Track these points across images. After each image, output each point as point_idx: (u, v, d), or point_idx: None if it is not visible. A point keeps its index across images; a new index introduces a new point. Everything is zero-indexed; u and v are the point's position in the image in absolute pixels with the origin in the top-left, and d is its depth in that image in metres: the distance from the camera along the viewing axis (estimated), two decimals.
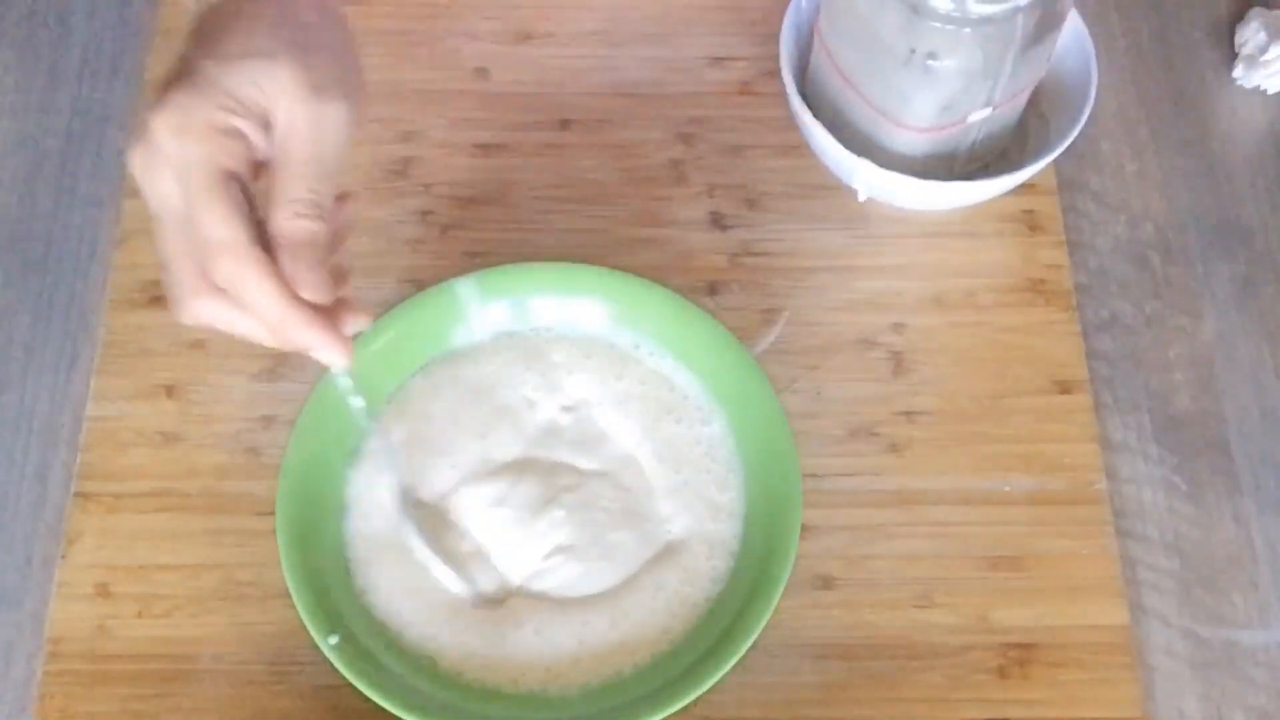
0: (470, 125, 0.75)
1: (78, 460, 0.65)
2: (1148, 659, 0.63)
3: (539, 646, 0.61)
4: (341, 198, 0.55)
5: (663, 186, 0.73)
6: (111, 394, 0.67)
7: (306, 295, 0.52)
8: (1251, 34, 0.75)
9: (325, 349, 0.53)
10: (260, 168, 0.53)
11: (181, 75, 0.53)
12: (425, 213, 0.72)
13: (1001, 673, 0.62)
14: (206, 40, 0.54)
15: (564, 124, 0.75)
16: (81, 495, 0.64)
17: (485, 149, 0.74)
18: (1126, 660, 0.62)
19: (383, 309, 0.66)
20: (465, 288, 0.66)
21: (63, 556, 0.63)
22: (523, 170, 0.73)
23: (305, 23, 0.55)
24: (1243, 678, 0.62)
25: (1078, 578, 0.64)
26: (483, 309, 0.67)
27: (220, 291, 0.52)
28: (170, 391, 0.67)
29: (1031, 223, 0.72)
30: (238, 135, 0.52)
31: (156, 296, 0.69)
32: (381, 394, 0.66)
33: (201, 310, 0.52)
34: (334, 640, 0.58)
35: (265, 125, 0.53)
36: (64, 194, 0.72)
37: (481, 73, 0.76)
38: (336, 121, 0.54)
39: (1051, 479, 0.66)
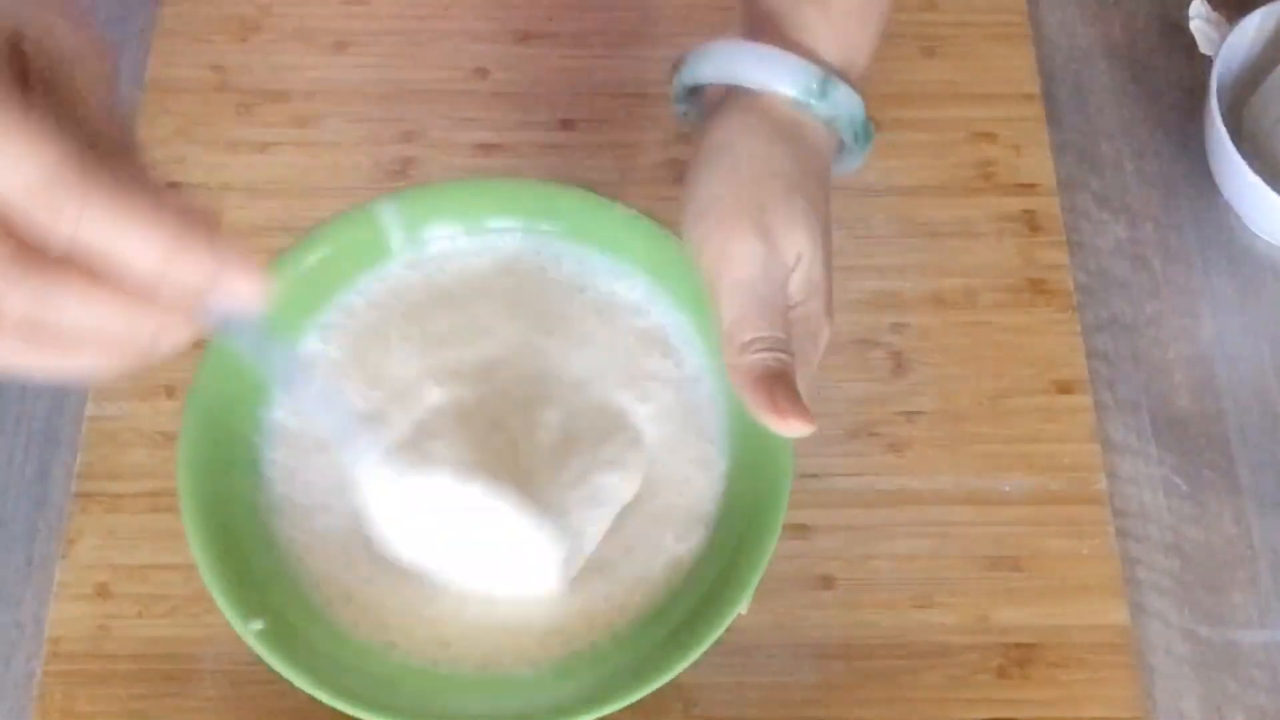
0: (470, 125, 0.75)
1: (78, 460, 0.65)
2: (1148, 659, 0.63)
3: (498, 618, 0.56)
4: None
5: (663, 186, 0.73)
6: (111, 394, 0.67)
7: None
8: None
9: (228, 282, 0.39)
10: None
11: None
12: None
13: (1001, 673, 0.62)
14: None
15: (564, 124, 0.75)
16: (81, 495, 0.64)
17: (485, 149, 0.74)
18: (1126, 660, 0.62)
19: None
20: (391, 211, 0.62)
21: (63, 556, 0.63)
22: (523, 170, 0.73)
23: None
24: (1243, 678, 0.62)
25: (1078, 578, 0.64)
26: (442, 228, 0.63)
27: None
28: (170, 392, 0.67)
29: (1031, 223, 0.72)
30: None
31: None
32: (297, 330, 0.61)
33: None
34: (258, 626, 0.53)
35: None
36: None
37: (481, 73, 0.76)
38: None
39: (1051, 479, 0.66)
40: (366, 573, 0.57)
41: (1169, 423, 0.68)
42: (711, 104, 0.60)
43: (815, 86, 0.57)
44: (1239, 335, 0.70)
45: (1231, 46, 0.73)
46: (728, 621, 0.54)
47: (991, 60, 0.77)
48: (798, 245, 0.54)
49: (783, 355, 0.52)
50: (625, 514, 0.58)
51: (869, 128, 0.60)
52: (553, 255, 0.63)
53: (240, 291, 0.39)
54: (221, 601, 0.53)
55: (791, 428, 0.52)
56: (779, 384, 0.52)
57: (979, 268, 0.71)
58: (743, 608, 0.55)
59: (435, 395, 0.59)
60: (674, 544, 0.58)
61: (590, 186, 0.64)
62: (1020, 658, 0.62)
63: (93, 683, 0.61)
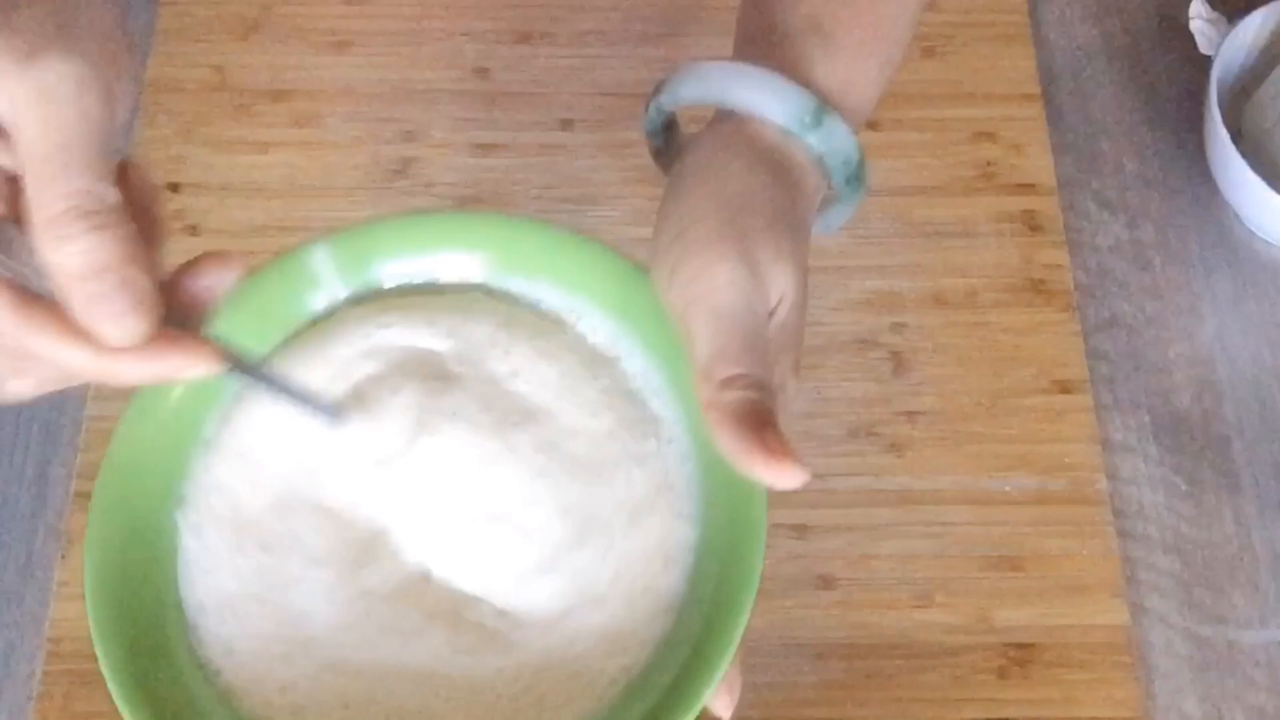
0: (470, 125, 0.75)
1: (78, 460, 0.65)
2: (1148, 659, 0.63)
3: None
4: (128, 176, 0.41)
5: (662, 187, 0.73)
6: (111, 394, 0.66)
7: (114, 340, 0.39)
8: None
9: (178, 371, 0.41)
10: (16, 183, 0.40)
11: None
12: None
13: (1001, 673, 0.62)
14: None
15: (564, 124, 0.75)
16: (81, 495, 0.64)
17: (485, 149, 0.74)
18: (1126, 660, 0.62)
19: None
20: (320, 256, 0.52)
21: (63, 556, 0.63)
22: (523, 170, 0.73)
23: None
24: (1243, 678, 0.62)
25: (1078, 578, 0.64)
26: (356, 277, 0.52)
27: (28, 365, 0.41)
28: None
29: (1031, 223, 0.72)
30: None
31: None
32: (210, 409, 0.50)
33: (18, 392, 0.42)
34: None
35: None
36: None
37: (481, 73, 0.76)
38: (72, 85, 0.39)
39: (1051, 479, 0.66)
40: (290, 674, 0.47)
41: (1169, 423, 0.68)
42: (684, 144, 0.55)
43: (808, 118, 0.51)
44: (1239, 335, 0.70)
45: (1231, 46, 0.73)
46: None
47: (991, 60, 0.77)
48: (781, 285, 0.48)
49: (767, 398, 0.44)
50: (570, 612, 0.47)
51: (863, 172, 0.54)
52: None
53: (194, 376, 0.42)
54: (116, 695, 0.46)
55: (785, 473, 0.43)
56: (768, 426, 0.44)
57: (979, 268, 0.71)
58: (721, 711, 0.46)
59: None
60: (627, 644, 0.47)
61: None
62: (1020, 658, 0.62)
63: (93, 683, 0.60)
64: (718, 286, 0.46)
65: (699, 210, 0.49)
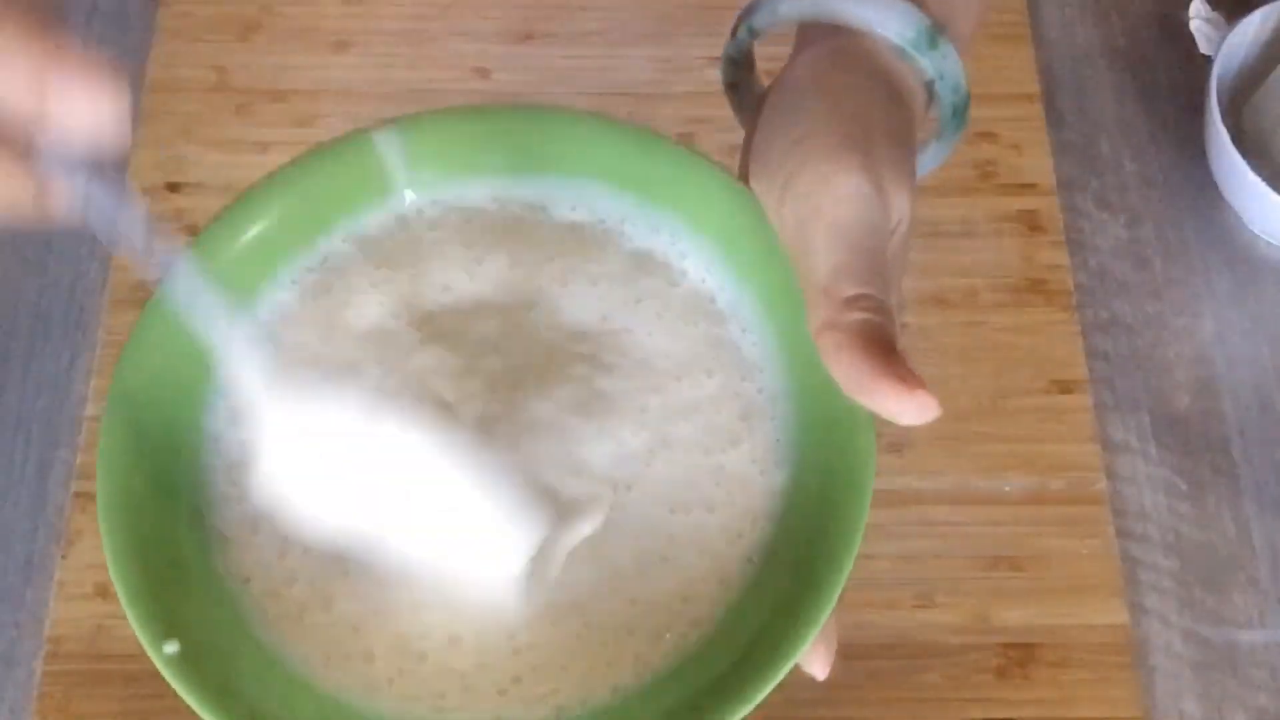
0: None
1: (78, 460, 0.65)
2: (1148, 659, 0.63)
3: (489, 661, 0.43)
4: None
5: None
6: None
7: None
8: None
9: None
10: None
11: None
12: None
13: (1001, 673, 0.62)
14: None
15: None
16: (81, 495, 0.64)
17: None
18: (1126, 660, 0.62)
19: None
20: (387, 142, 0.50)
21: (63, 556, 0.63)
22: None
23: None
24: (1243, 678, 0.62)
25: (1078, 578, 0.64)
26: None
27: None
28: None
29: (1031, 223, 0.72)
30: None
31: None
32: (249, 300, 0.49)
33: None
34: (172, 649, 0.43)
35: None
36: None
37: (481, 73, 0.76)
38: None
39: (1051, 479, 0.66)
40: (322, 590, 0.45)
41: (1169, 423, 0.68)
42: (753, 93, 0.51)
43: (923, 39, 0.47)
44: (1239, 335, 0.70)
45: (1231, 46, 0.73)
46: (789, 664, 0.43)
47: (991, 60, 0.77)
48: (902, 207, 0.44)
49: (890, 324, 0.41)
50: (655, 525, 0.45)
51: (969, 102, 0.49)
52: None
53: (81, 112, 0.34)
54: (131, 615, 0.43)
55: (916, 403, 0.40)
56: (894, 352, 0.40)
57: (979, 268, 0.71)
58: (817, 671, 0.45)
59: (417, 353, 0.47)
60: (723, 548, 0.45)
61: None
62: (1020, 658, 0.62)
63: (92, 683, 0.61)
64: (840, 199, 0.43)
65: (818, 120, 0.45)
